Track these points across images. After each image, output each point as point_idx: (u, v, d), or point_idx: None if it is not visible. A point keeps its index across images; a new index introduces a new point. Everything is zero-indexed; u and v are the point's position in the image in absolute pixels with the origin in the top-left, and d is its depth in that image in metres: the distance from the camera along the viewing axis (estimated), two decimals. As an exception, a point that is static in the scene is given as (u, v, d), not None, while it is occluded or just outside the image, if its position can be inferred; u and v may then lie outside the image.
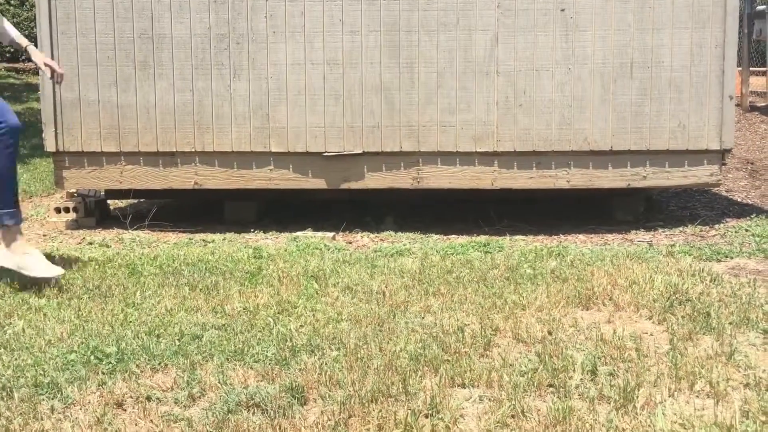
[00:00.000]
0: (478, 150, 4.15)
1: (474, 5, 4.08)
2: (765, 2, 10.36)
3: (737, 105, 7.86)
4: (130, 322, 2.64)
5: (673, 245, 3.74)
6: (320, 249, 3.76)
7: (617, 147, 3.77)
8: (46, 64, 3.29)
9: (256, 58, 4.17)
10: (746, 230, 3.99)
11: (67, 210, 4.44)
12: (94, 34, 4.18)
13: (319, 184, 4.25)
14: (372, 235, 4.17)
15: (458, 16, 4.09)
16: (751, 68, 9.03)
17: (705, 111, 4.07)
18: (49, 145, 4.29)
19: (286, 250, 3.70)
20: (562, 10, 4.05)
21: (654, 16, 4.04)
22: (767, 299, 2.82)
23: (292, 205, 4.85)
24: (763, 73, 9.71)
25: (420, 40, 4.12)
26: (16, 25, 12.98)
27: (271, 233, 4.21)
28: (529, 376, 2.13)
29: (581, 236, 4.06)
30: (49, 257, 3.61)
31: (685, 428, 1.89)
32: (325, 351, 2.34)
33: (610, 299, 2.81)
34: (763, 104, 8.63)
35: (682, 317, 2.60)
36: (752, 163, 5.86)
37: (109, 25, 4.17)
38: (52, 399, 2.06)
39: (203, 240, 4.06)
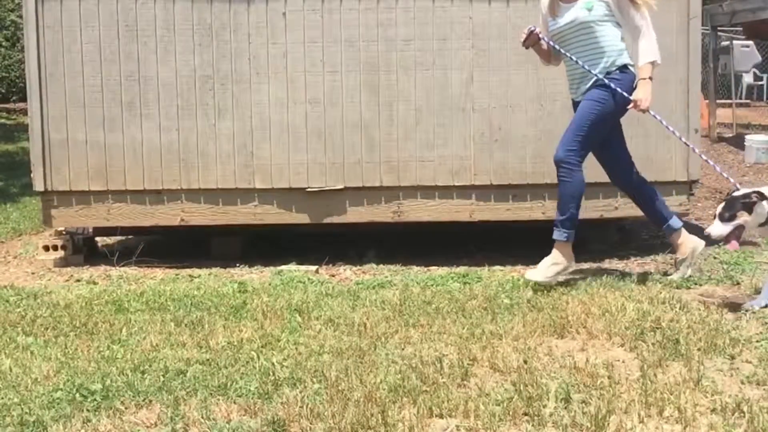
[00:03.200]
0: (456, 184, 4.28)
1: (449, 45, 4.25)
2: (729, 38, 10.76)
3: (705, 136, 8.11)
4: (116, 358, 2.69)
5: (645, 273, 3.85)
6: (304, 282, 3.83)
7: (589, 179, 3.89)
8: None
9: (240, 98, 4.30)
10: (714, 258, 4.12)
11: (55, 248, 4.49)
12: (82, 76, 4.29)
13: (303, 219, 4.35)
14: (354, 268, 4.26)
15: (435, 56, 4.26)
16: (717, 101, 9.33)
17: (671, 144, 4.23)
18: (38, 185, 4.36)
19: (270, 284, 3.77)
20: (534, 49, 4.23)
21: (621, 55, 4.22)
22: (734, 326, 2.93)
23: (279, 238, 4.93)
24: (730, 106, 10.03)
25: (398, 79, 4.28)
26: (7, 66, 13.10)
27: (256, 267, 4.28)
28: (505, 405, 2.20)
29: (558, 266, 4.17)
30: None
31: (651, 452, 1.97)
32: (307, 384, 2.40)
33: (583, 327, 2.90)
34: (730, 135, 8.90)
35: (653, 344, 2.70)
36: (721, 192, 6.04)
37: (96, 67, 4.29)
38: (39, 437, 2.11)
39: (189, 275, 4.12)
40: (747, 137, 7.85)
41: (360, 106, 4.28)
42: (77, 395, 2.34)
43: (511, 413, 2.16)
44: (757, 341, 2.76)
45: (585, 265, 4.16)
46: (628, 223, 4.88)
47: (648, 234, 4.96)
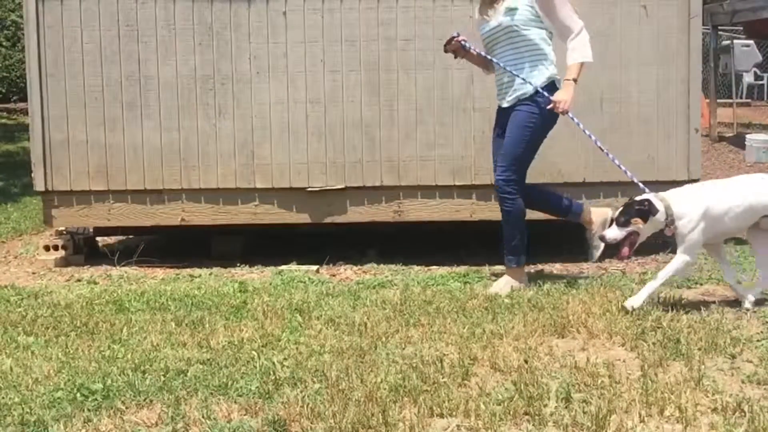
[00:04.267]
0: (457, 183, 4.28)
1: (450, 45, 4.24)
2: (729, 37, 10.76)
3: (706, 136, 8.12)
4: (117, 358, 2.69)
5: (645, 273, 3.85)
6: (304, 282, 3.83)
7: (590, 179, 3.92)
8: None
9: (240, 98, 4.30)
10: (716, 257, 4.11)
11: (56, 248, 4.49)
12: (82, 76, 4.30)
13: (304, 218, 4.35)
14: (355, 268, 4.26)
15: (435, 56, 4.25)
16: (718, 100, 9.34)
17: (672, 143, 4.23)
18: (39, 185, 4.36)
19: (270, 284, 3.77)
20: (534, 49, 4.22)
21: (621, 54, 4.23)
22: (735, 325, 2.93)
23: (280, 238, 4.93)
24: (730, 105, 10.03)
25: (399, 79, 4.28)
26: (8, 66, 13.11)
27: (256, 267, 4.28)
28: (506, 404, 2.20)
29: (557, 265, 4.17)
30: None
31: (651, 452, 1.97)
32: (307, 384, 2.40)
33: (584, 327, 2.90)
34: (731, 135, 8.90)
35: (653, 344, 2.69)
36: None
37: (97, 68, 4.29)
38: (39, 437, 2.11)
39: (190, 275, 4.12)
40: (748, 137, 7.85)
41: (361, 106, 4.28)
42: (78, 395, 2.34)
43: (511, 413, 2.15)
44: (758, 340, 2.76)
45: (585, 265, 4.17)
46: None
47: (648, 233, 4.96)
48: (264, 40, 4.28)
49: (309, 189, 4.31)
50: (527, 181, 3.59)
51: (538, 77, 3.48)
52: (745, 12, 8.50)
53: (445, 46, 3.71)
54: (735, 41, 10.43)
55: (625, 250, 3.06)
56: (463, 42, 3.65)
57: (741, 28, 10.60)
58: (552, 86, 3.50)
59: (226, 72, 4.29)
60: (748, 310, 3.13)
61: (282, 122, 4.31)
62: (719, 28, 9.84)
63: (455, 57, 3.76)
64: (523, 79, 3.47)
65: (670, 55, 4.22)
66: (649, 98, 4.23)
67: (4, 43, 13.08)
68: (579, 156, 4.26)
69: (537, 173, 4.25)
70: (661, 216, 3.01)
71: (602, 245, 3.48)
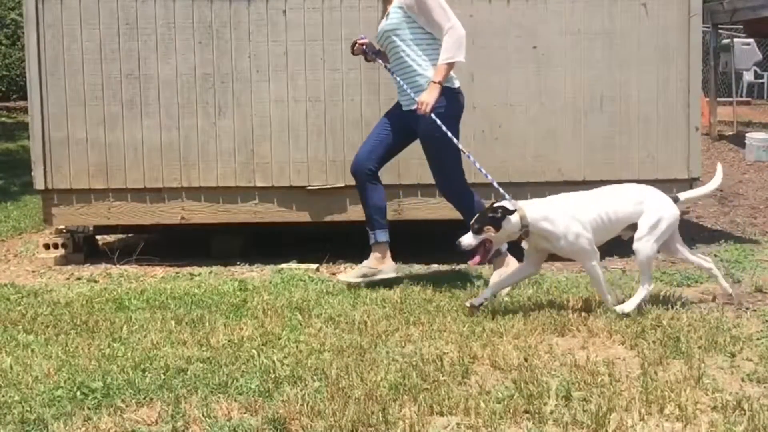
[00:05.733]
0: (457, 182, 4.26)
1: (450, 43, 4.24)
2: (729, 36, 10.77)
3: (706, 134, 8.12)
4: (117, 356, 2.69)
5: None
6: (304, 281, 3.83)
7: (590, 177, 3.91)
8: None
9: (240, 96, 4.30)
10: (715, 255, 4.12)
11: (55, 246, 4.49)
12: (82, 74, 4.30)
13: (303, 217, 4.35)
14: (355, 266, 4.25)
15: (435, 54, 4.24)
16: (718, 99, 9.34)
17: (672, 142, 4.24)
18: (38, 183, 4.36)
19: (270, 283, 3.78)
20: (534, 47, 4.24)
21: (621, 53, 4.23)
22: (735, 323, 2.93)
23: (280, 236, 4.93)
24: (730, 104, 10.03)
25: (399, 77, 4.26)
26: (8, 65, 13.11)
27: (256, 266, 4.28)
28: (506, 403, 2.20)
29: (558, 264, 4.17)
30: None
31: (651, 450, 1.97)
32: (307, 382, 2.40)
33: (584, 325, 2.91)
34: (731, 133, 8.90)
35: (653, 342, 2.70)
36: (721, 190, 6.05)
37: (96, 66, 4.29)
38: (39, 435, 2.11)
39: (190, 274, 4.12)
40: (747, 135, 7.85)
41: (360, 105, 4.27)
42: (78, 393, 2.34)
43: (511, 411, 2.16)
44: (758, 339, 2.77)
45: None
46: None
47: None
48: (264, 39, 4.27)
49: (309, 188, 4.31)
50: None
51: (420, 80, 3.40)
52: (745, 10, 8.50)
53: (351, 48, 3.69)
54: (735, 40, 10.43)
55: (477, 258, 3.04)
56: (365, 48, 3.61)
57: (741, 26, 10.59)
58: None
59: (225, 70, 4.29)
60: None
61: (282, 121, 4.30)
62: (719, 26, 9.83)
63: (366, 60, 3.72)
64: (403, 85, 3.44)
65: (670, 54, 4.22)
66: (649, 97, 4.23)
67: (3, 42, 13.08)
68: (579, 155, 4.26)
69: (537, 172, 4.27)
70: (515, 225, 3.00)
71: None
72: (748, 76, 12.77)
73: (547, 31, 4.24)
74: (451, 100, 3.43)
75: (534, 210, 3.04)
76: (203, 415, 2.18)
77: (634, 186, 3.21)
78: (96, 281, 4.02)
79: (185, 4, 4.27)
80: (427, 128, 3.42)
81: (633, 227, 3.11)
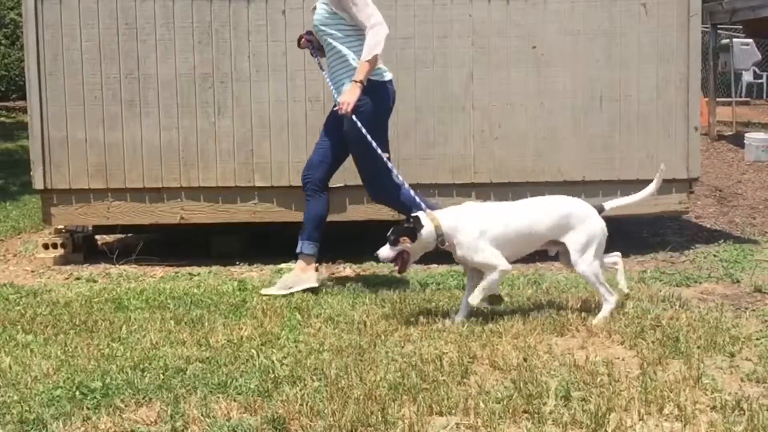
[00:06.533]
0: (456, 182, 4.28)
1: (449, 43, 4.25)
2: (729, 36, 10.77)
3: (705, 134, 8.13)
4: (116, 356, 2.69)
5: (645, 271, 3.86)
6: (304, 281, 3.82)
7: (589, 177, 3.91)
8: None
9: (239, 96, 4.30)
10: (714, 255, 4.12)
11: (55, 246, 4.49)
12: (81, 74, 4.29)
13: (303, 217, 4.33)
14: (354, 266, 4.26)
15: (434, 54, 4.25)
16: (717, 99, 9.34)
17: (672, 142, 4.24)
18: (38, 183, 4.36)
19: (270, 282, 3.77)
20: (534, 47, 4.24)
21: (621, 52, 4.23)
22: (734, 323, 2.93)
23: (279, 236, 4.93)
24: (729, 104, 10.04)
25: (398, 77, 4.24)
26: (7, 65, 13.10)
27: (255, 266, 4.28)
28: (505, 403, 2.20)
29: (557, 264, 4.17)
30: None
31: (651, 450, 1.97)
32: (306, 382, 2.40)
33: (583, 325, 2.90)
34: (730, 133, 8.92)
35: (653, 342, 2.70)
36: (720, 190, 6.05)
37: (96, 66, 4.29)
38: (39, 435, 2.11)
39: (189, 273, 4.12)
40: (747, 135, 7.86)
41: (360, 104, 4.26)
42: (77, 393, 2.34)
43: (511, 411, 2.16)
44: (757, 339, 2.77)
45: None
46: (628, 221, 4.88)
47: (648, 232, 4.97)
48: (263, 39, 4.27)
49: (309, 187, 4.30)
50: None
51: (346, 77, 3.35)
52: (744, 11, 8.51)
53: (298, 42, 3.65)
54: (734, 40, 10.44)
55: (398, 268, 3.02)
56: (310, 44, 3.56)
57: (740, 26, 10.60)
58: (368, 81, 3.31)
59: (225, 70, 4.28)
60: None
61: (281, 121, 4.30)
62: (718, 26, 9.85)
63: (312, 55, 3.66)
64: (331, 86, 3.41)
65: (670, 54, 4.22)
66: (648, 97, 4.24)
67: (2, 42, 13.08)
68: (579, 154, 4.26)
69: (536, 172, 4.27)
70: (429, 235, 2.96)
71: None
72: (748, 76, 12.78)
73: (547, 31, 4.24)
74: (377, 95, 3.34)
75: (447, 219, 2.99)
76: (202, 415, 2.18)
77: (559, 199, 3.12)
78: (95, 281, 4.02)
79: (185, 4, 4.26)
80: (350, 129, 3.37)
81: (557, 243, 3.03)
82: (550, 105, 4.26)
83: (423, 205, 3.16)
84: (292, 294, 3.48)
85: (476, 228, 2.97)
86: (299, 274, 3.55)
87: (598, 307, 3.10)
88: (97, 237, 4.94)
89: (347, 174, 4.31)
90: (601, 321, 2.94)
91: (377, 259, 3.04)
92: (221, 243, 4.58)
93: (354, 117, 3.30)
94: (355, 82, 3.29)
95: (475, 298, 2.98)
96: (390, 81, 3.47)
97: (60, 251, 4.48)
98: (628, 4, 4.24)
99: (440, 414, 2.17)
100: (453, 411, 2.18)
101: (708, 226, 5.19)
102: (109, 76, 4.29)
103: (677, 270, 3.86)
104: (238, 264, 4.32)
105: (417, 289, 3.56)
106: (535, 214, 3.03)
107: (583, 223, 3.00)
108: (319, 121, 4.29)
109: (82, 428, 2.14)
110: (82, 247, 4.58)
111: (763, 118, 10.35)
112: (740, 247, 4.38)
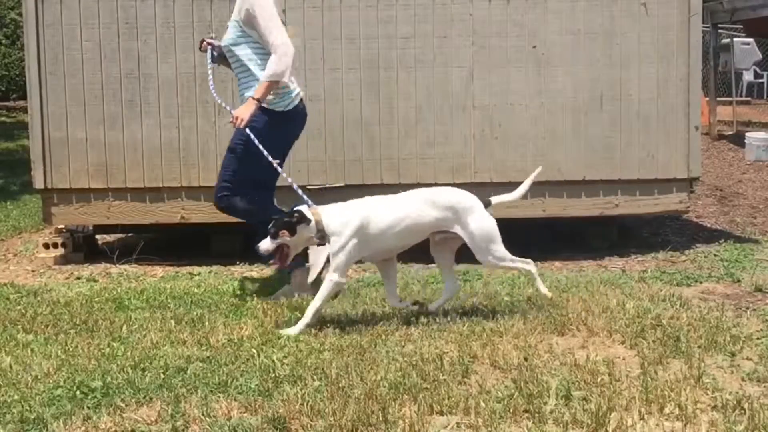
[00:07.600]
0: (456, 181, 4.25)
1: (450, 43, 4.25)
2: (729, 35, 10.77)
3: (706, 134, 8.13)
4: (116, 356, 2.69)
5: (645, 271, 3.86)
6: (304, 280, 3.82)
7: (590, 177, 3.91)
8: None
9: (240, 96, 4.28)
10: (715, 255, 4.12)
11: (55, 245, 4.49)
12: (82, 74, 4.29)
13: (303, 216, 4.33)
14: (355, 266, 4.25)
15: (435, 53, 4.25)
16: (718, 98, 9.34)
17: (672, 141, 4.24)
18: (38, 183, 4.36)
19: (270, 282, 3.77)
20: (534, 47, 4.24)
21: (621, 52, 4.23)
22: (735, 323, 2.93)
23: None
24: (730, 103, 10.03)
25: (398, 77, 4.27)
26: (8, 64, 13.10)
27: (256, 265, 4.28)
28: (506, 402, 2.20)
29: (557, 263, 4.17)
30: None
31: (652, 450, 1.97)
32: (307, 381, 2.40)
33: (584, 325, 2.90)
34: (731, 133, 8.91)
35: (653, 341, 2.70)
36: (721, 190, 6.05)
37: (96, 65, 4.29)
38: (39, 434, 2.11)
39: (189, 273, 4.12)
40: (747, 135, 7.85)
41: (360, 104, 4.27)
42: (78, 392, 2.34)
43: (511, 410, 2.16)
44: (758, 338, 2.77)
45: (585, 263, 4.17)
46: (629, 220, 4.89)
47: (649, 232, 4.97)
48: (263, 38, 4.26)
49: (308, 187, 4.29)
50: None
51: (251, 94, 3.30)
52: (744, 10, 8.50)
53: (200, 45, 3.62)
54: (735, 39, 10.43)
55: (277, 262, 3.01)
56: (211, 49, 3.50)
57: (741, 26, 10.59)
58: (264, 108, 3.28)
59: (225, 70, 4.27)
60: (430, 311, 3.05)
61: (281, 120, 4.29)
62: (719, 26, 9.84)
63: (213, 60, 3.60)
64: (223, 104, 3.40)
65: (670, 53, 4.22)
66: (649, 96, 4.24)
67: (3, 41, 13.08)
68: (579, 154, 4.26)
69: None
70: (311, 229, 2.96)
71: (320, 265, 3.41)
72: (748, 76, 12.78)
73: (547, 31, 4.24)
74: (272, 122, 3.31)
75: (328, 215, 3.00)
76: (203, 415, 2.18)
77: (444, 190, 3.13)
78: (96, 281, 4.02)
79: (185, 3, 4.26)
80: (234, 140, 3.34)
81: (445, 232, 3.04)
82: (551, 104, 4.26)
83: (308, 200, 3.16)
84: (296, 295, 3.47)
85: (350, 229, 2.96)
86: (296, 281, 3.51)
87: (598, 306, 3.10)
88: (98, 237, 4.93)
89: (347, 174, 4.31)
90: (545, 289, 3.08)
91: (257, 252, 2.99)
92: (222, 242, 4.58)
93: (248, 130, 3.26)
94: (252, 98, 3.26)
95: (304, 322, 2.93)
96: (296, 107, 3.40)
97: (60, 251, 4.48)
98: (628, 3, 4.24)
99: (441, 413, 2.17)
100: (453, 410, 2.18)
101: (708, 225, 5.19)
102: (110, 75, 4.29)
103: (678, 269, 3.86)
104: (239, 263, 4.31)
105: (417, 288, 3.56)
106: (423, 205, 3.03)
107: (472, 215, 3.02)
108: (320, 120, 4.31)
109: (83, 428, 2.14)
110: (82, 247, 4.58)
111: (763, 118, 10.35)
112: (741, 246, 4.38)
